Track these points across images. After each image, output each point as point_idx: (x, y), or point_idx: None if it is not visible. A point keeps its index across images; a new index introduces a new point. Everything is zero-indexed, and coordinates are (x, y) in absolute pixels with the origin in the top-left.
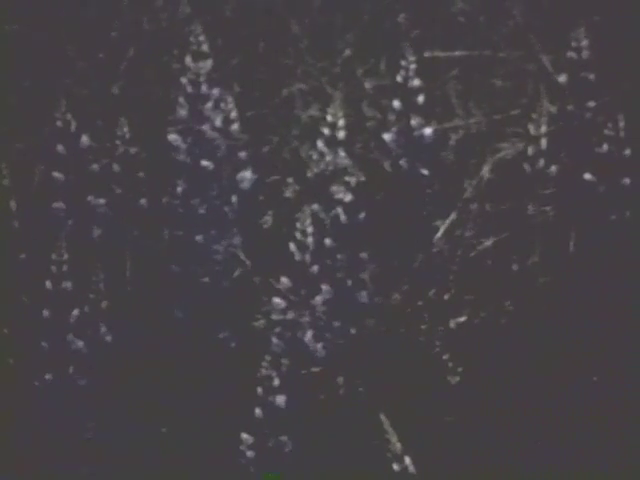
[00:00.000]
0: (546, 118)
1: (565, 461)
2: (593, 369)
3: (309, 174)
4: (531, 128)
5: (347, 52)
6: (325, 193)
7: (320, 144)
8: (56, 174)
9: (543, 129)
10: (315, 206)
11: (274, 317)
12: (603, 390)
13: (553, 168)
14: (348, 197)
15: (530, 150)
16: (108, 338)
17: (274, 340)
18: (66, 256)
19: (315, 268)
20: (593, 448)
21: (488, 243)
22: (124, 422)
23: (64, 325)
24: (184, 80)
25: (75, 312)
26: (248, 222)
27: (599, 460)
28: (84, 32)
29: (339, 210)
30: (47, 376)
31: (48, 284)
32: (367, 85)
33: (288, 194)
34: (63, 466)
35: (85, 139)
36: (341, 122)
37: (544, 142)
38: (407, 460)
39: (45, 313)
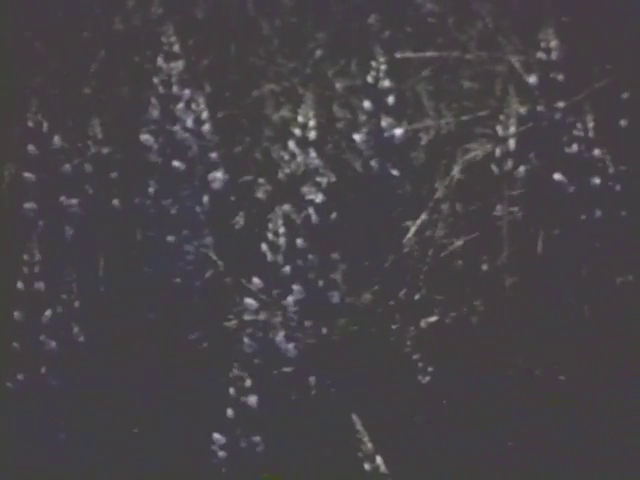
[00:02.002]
0: (514, 119)
1: (537, 459)
2: (561, 368)
3: (280, 175)
4: (499, 129)
5: (318, 53)
6: (296, 194)
7: (291, 145)
8: (27, 174)
9: (511, 130)
10: (286, 207)
11: (246, 317)
12: (571, 389)
13: (521, 169)
14: (319, 198)
15: (498, 151)
16: (81, 339)
17: (246, 340)
18: (38, 257)
19: (287, 268)
20: (564, 445)
21: (458, 243)
22: (96, 422)
23: (36, 326)
24: (156, 80)
25: (47, 313)
26: (220, 223)
27: (571, 457)
28: (55, 32)
29: (310, 211)
30: (19, 376)
31: (20, 285)
32: (338, 86)
33: (259, 195)
34: (35, 466)
35: (57, 139)
36: (312, 123)
37: (512, 143)
38: (378, 460)
39: (17, 314)
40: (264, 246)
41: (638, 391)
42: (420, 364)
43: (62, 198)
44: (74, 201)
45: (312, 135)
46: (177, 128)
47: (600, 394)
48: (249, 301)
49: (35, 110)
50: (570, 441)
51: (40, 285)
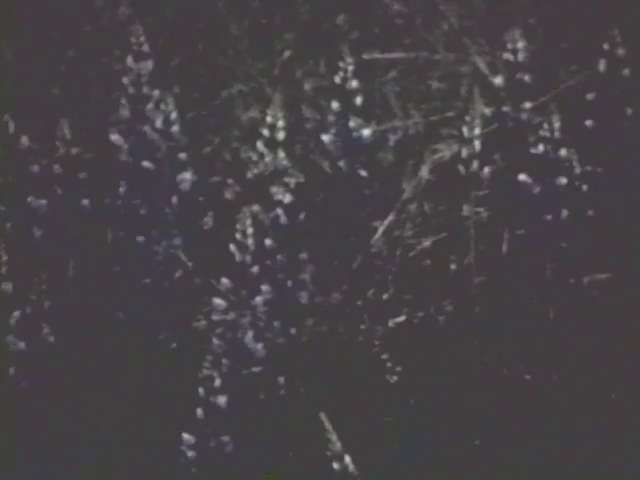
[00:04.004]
0: (480, 120)
1: (504, 458)
2: (527, 368)
3: (249, 175)
4: (465, 130)
5: (286, 53)
6: (265, 194)
7: (260, 145)
8: None
9: (476, 131)
10: (255, 207)
11: (215, 318)
12: (537, 388)
13: (486, 170)
14: (288, 198)
15: (464, 152)
16: (50, 339)
17: (215, 340)
18: (5, 257)
19: (255, 269)
20: (533, 444)
21: (426, 243)
22: (65, 423)
23: (5, 327)
24: (125, 80)
25: (16, 313)
26: (188, 223)
27: (539, 456)
28: (23, 32)
29: (279, 211)
30: None
31: None
32: (306, 86)
33: (228, 195)
34: (3, 467)
35: (25, 140)
36: (280, 123)
37: (477, 144)
38: (347, 459)
39: None
40: (232, 246)
41: (605, 390)
42: (388, 364)
43: (30, 199)
44: (43, 202)
45: (281, 136)
46: (147, 128)
47: (567, 393)
48: (218, 301)
49: (1, 111)
50: (538, 440)
51: (8, 286)
